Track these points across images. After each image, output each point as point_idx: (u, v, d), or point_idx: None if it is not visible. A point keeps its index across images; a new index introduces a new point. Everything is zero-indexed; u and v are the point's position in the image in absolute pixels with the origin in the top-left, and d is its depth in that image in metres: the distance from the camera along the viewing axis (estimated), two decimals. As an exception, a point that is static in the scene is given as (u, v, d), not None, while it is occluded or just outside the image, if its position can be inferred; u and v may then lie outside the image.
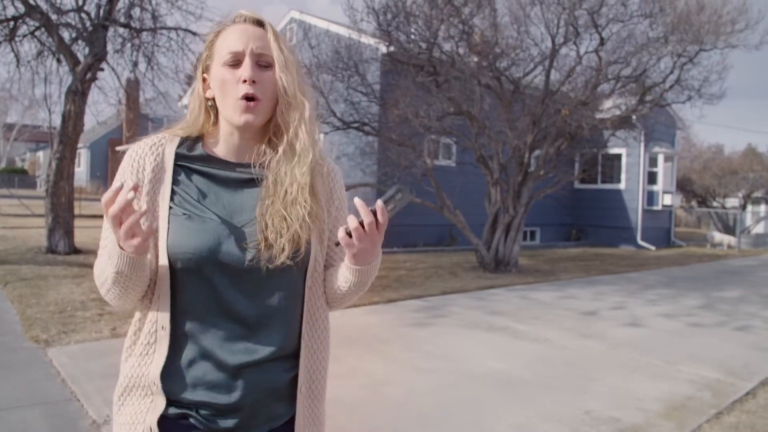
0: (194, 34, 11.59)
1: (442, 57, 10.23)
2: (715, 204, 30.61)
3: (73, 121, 10.50)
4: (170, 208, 1.32)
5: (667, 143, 20.91)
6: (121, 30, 11.15)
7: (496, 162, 10.98)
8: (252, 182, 1.35)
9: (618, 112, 11.70)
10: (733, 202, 30.97)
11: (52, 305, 6.81)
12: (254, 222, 1.30)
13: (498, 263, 11.34)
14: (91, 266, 7.92)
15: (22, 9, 10.02)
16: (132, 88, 18.28)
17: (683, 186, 31.03)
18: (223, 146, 1.38)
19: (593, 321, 7.39)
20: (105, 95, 11.95)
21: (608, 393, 4.65)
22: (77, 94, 10.29)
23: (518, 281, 10.39)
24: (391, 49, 11.03)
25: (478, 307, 7.91)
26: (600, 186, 20.83)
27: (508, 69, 10.84)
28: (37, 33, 10.75)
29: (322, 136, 14.81)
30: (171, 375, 1.30)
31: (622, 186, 20.38)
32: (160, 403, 1.29)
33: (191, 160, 1.37)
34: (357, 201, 1.19)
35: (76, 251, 11.22)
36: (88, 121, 12.02)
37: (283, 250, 1.27)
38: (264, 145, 1.36)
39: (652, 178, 20.36)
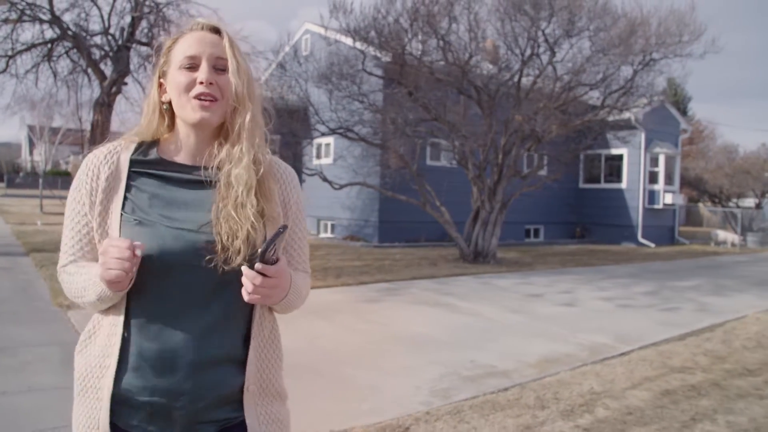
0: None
1: (421, 69, 11.45)
2: (730, 204, 30.98)
3: (100, 129, 12.07)
4: (122, 215, 1.35)
5: (669, 143, 21.65)
6: (143, 48, 12.69)
7: (470, 162, 12.18)
8: (207, 184, 1.38)
9: (595, 116, 12.73)
10: (749, 202, 31.28)
11: (77, 283, 8.27)
12: (210, 224, 1.33)
13: (477, 255, 12.50)
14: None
15: (57, 33, 11.67)
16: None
17: (696, 185, 31.50)
18: (179, 149, 1.43)
19: (532, 301, 8.54)
20: (131, 105, 13.48)
21: (500, 350, 5.84)
22: (104, 106, 11.86)
23: (489, 270, 11.55)
24: (386, 59, 12.30)
25: (434, 290, 9.13)
26: (603, 185, 21.69)
27: (487, 82, 12.01)
28: (70, 53, 12.41)
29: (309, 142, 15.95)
30: (123, 376, 1.34)
31: (623, 185, 21.20)
32: (109, 406, 1.34)
33: (146, 165, 1.40)
34: (245, 269, 1.24)
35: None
36: (117, 128, 13.57)
37: (238, 252, 1.29)
38: (216, 147, 1.40)
39: (653, 177, 21.13)
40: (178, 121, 1.43)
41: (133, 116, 15.71)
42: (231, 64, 1.36)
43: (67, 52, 12.51)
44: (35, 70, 12.37)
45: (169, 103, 1.41)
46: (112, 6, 12.10)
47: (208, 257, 1.30)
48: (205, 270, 1.30)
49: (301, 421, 3.80)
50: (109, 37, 12.09)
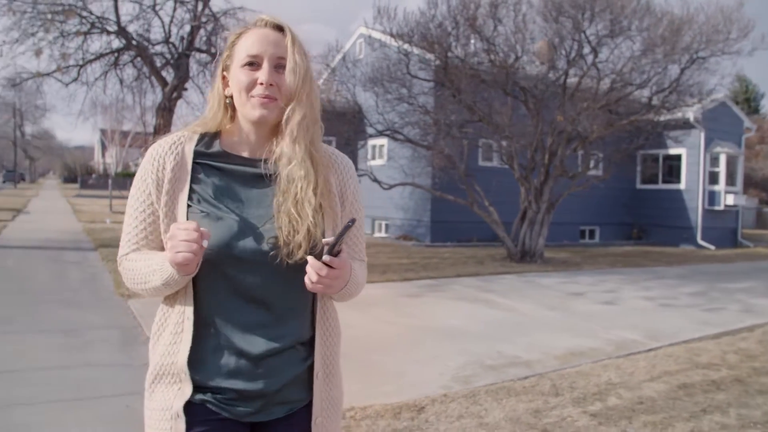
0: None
1: (466, 71, 11.67)
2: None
3: (162, 133, 12.75)
4: (189, 206, 1.39)
5: (731, 143, 21.05)
6: (201, 56, 13.40)
7: (516, 162, 12.31)
8: (267, 179, 1.42)
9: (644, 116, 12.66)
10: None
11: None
12: (272, 219, 1.38)
13: (524, 255, 12.61)
14: None
15: (123, 43, 12.50)
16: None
17: (765, 186, 30.40)
18: (241, 142, 1.46)
19: (572, 299, 8.66)
20: (191, 109, 14.29)
21: (528, 343, 6.04)
22: (165, 110, 12.62)
23: (535, 270, 11.66)
24: (433, 62, 12.59)
25: (476, 287, 9.35)
26: (661, 186, 21.27)
27: (536, 82, 12.13)
28: (134, 61, 13.25)
29: (365, 143, 16.30)
30: (197, 363, 1.39)
31: (682, 186, 20.74)
32: (186, 390, 1.38)
33: (209, 158, 1.44)
34: (311, 259, 1.30)
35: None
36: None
37: (299, 246, 1.35)
38: (275, 144, 1.43)
39: (714, 178, 20.60)
40: (239, 116, 1.46)
41: (194, 120, 16.54)
42: (289, 62, 1.39)
43: (132, 61, 13.39)
44: (103, 78, 13.31)
45: (232, 96, 1.45)
46: (172, 17, 12.91)
47: (272, 252, 1.36)
48: (270, 263, 1.36)
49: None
50: (170, 46, 12.87)
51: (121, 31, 12.52)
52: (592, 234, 21.11)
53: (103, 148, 68.17)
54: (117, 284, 8.15)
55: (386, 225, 19.10)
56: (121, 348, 5.36)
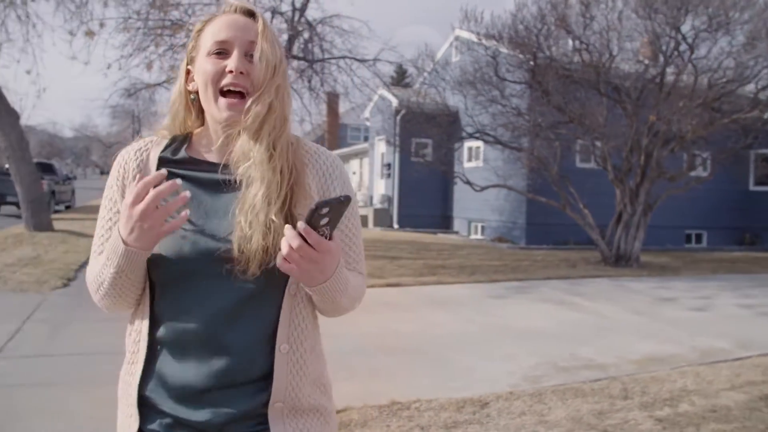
0: (360, 60, 14.12)
1: (557, 71, 11.55)
2: None
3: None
4: None
5: None
6: (299, 63, 14.03)
7: (609, 164, 12.03)
8: (235, 183, 1.24)
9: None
10: None
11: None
12: (232, 229, 1.20)
13: (618, 258, 12.30)
14: None
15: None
16: (332, 101, 21.40)
17: None
18: (209, 145, 1.31)
19: (661, 305, 8.42)
20: (292, 113, 14.96)
21: (605, 346, 6.01)
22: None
23: (628, 274, 11.36)
24: (523, 63, 12.56)
25: (564, 290, 9.28)
26: (777, 187, 19.97)
27: (633, 82, 11.83)
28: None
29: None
30: (148, 383, 1.27)
31: (803, 188, 19.39)
32: (134, 425, 1.27)
33: (174, 164, 1.28)
34: (288, 228, 1.08)
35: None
36: (294, 131, 15.17)
37: (253, 260, 1.17)
38: (236, 141, 1.26)
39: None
40: (207, 115, 1.31)
41: (293, 125, 17.28)
42: (257, 50, 1.23)
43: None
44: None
45: (197, 92, 1.30)
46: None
47: (222, 266, 1.19)
48: (226, 280, 1.20)
49: (392, 389, 4.40)
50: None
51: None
52: (699, 238, 20.11)
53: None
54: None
55: (482, 227, 19.12)
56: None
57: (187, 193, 1.13)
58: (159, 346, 1.27)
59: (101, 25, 13.05)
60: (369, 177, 25.11)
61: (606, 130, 11.63)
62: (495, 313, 7.40)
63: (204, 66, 1.26)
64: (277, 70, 1.26)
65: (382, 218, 20.66)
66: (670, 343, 6.25)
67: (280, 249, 1.12)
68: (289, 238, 1.08)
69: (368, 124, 24.51)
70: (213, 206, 1.26)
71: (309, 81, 14.29)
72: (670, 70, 11.75)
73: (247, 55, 1.25)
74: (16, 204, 16.74)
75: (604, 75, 11.47)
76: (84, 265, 9.72)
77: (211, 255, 1.21)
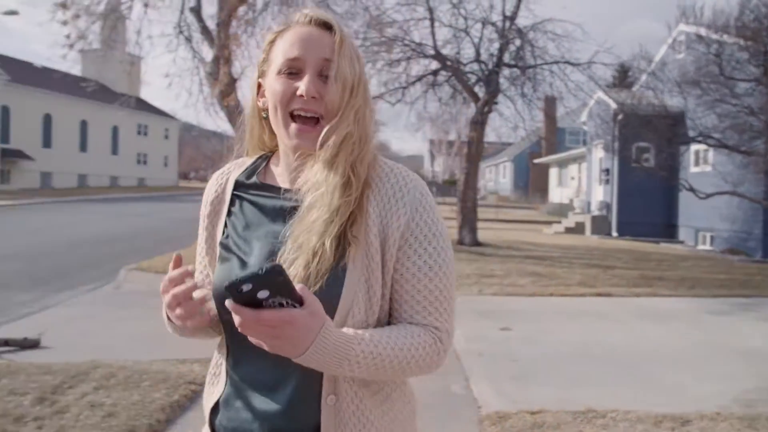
0: (574, 64, 13.88)
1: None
2: None
3: (475, 145, 13.94)
4: (220, 244, 1.21)
5: None
6: (510, 70, 14.20)
7: None
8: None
9: None
10: None
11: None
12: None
13: None
14: (487, 255, 11.07)
15: (439, 65, 14.02)
16: (549, 106, 21.26)
17: None
18: (280, 168, 1.22)
19: None
20: (505, 121, 15.23)
21: None
22: (478, 124, 13.66)
23: None
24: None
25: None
26: None
27: None
28: (449, 80, 14.68)
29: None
30: (222, 406, 1.20)
31: None
32: None
33: (246, 189, 1.22)
34: (227, 302, 0.91)
35: (478, 244, 14.53)
36: (508, 137, 15.61)
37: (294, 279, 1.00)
38: (309, 168, 1.13)
39: None
40: (278, 137, 1.20)
41: (506, 131, 17.42)
42: (332, 69, 1.11)
43: (447, 80, 14.84)
44: (423, 97, 15.03)
45: (267, 110, 1.20)
46: (481, 37, 13.98)
47: None
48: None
49: (590, 397, 4.42)
50: (481, 64, 13.94)
51: (438, 55, 14.03)
52: None
53: (432, 157, 74.24)
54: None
55: (711, 237, 17.54)
56: (422, 335, 6.26)
57: (197, 294, 1.07)
58: (231, 373, 1.20)
59: (325, 47, 14.55)
60: (587, 182, 24.32)
61: None
62: (712, 330, 6.89)
63: (273, 86, 1.15)
64: (356, 90, 1.13)
65: (599, 225, 19.89)
66: None
67: (333, 280, 1.06)
68: (232, 310, 0.93)
69: (585, 128, 23.75)
70: (275, 232, 1.14)
71: (521, 87, 14.38)
72: None
73: (322, 75, 1.12)
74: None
75: None
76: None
77: None
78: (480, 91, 14.12)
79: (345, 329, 1.04)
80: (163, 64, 31.39)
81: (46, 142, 45.44)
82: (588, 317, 7.27)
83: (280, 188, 1.18)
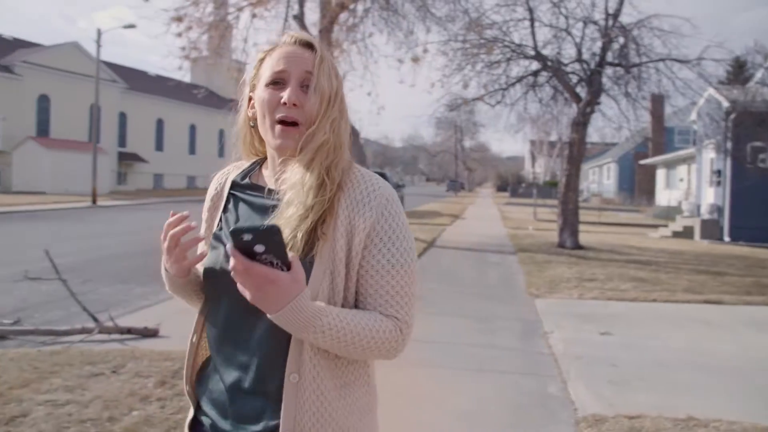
0: (681, 62, 13.33)
1: None
2: None
3: (576, 147, 13.68)
4: (213, 234, 1.39)
5: None
6: (613, 69, 13.82)
7: None
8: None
9: None
10: None
11: (547, 278, 9.89)
12: None
13: None
14: (588, 259, 10.92)
15: (539, 65, 13.86)
16: (655, 105, 20.47)
17: None
18: (268, 171, 1.38)
19: None
20: (608, 121, 14.83)
21: None
22: (579, 125, 13.40)
23: None
24: None
25: None
26: None
27: None
28: (550, 81, 14.47)
29: None
30: (201, 378, 1.39)
31: None
32: (191, 411, 1.38)
33: (241, 188, 1.39)
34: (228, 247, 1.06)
35: (579, 247, 14.25)
36: (612, 137, 15.14)
37: None
38: (288, 170, 1.30)
39: None
40: (266, 141, 1.36)
41: (610, 131, 16.91)
42: (312, 82, 1.27)
43: (547, 81, 14.65)
44: (524, 98, 14.90)
45: (256, 119, 1.36)
46: (582, 36, 13.68)
47: None
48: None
49: (692, 405, 4.34)
50: (582, 64, 13.66)
51: (538, 55, 13.87)
52: None
53: (533, 158, 72.91)
54: (528, 284, 9.27)
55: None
56: (520, 337, 6.32)
57: (193, 224, 1.30)
58: (203, 351, 1.41)
59: (425, 50, 14.72)
60: (696, 184, 23.14)
61: None
62: (742, 340, 6.49)
63: (262, 96, 1.31)
64: (332, 102, 1.29)
65: (709, 230, 18.89)
66: None
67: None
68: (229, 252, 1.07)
69: (695, 127, 22.63)
70: None
71: (625, 86, 13.97)
72: None
73: (303, 86, 1.29)
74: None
75: None
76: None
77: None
78: (582, 91, 13.85)
79: (318, 302, 1.18)
80: (268, 71, 32.72)
81: (159, 146, 48.69)
82: (693, 324, 7.03)
83: (266, 188, 1.34)
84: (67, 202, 28.92)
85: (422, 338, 5.89)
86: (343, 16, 15.12)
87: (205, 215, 1.46)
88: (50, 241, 13.22)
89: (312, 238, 1.22)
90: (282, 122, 1.28)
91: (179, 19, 14.80)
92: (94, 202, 28.92)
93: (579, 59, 13.72)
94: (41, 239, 13.45)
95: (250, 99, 1.39)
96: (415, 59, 14.71)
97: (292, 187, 1.26)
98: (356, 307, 1.28)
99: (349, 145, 1.35)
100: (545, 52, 14.18)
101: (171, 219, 1.29)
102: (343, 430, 1.26)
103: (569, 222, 14.28)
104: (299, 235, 1.21)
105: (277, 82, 1.29)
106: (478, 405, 4.32)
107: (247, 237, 1.02)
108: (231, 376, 1.28)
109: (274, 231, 1.04)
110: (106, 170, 39.29)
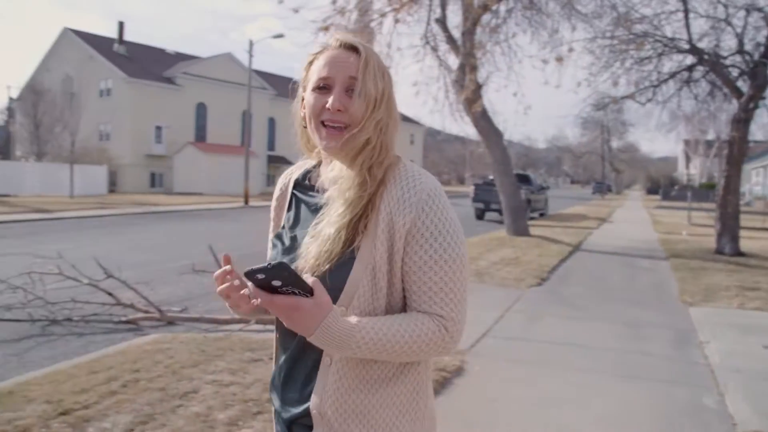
0: None
1: None
2: None
3: (737, 145, 12.65)
4: (276, 233, 1.47)
5: None
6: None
7: None
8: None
9: None
10: None
11: (703, 285, 9.27)
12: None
13: None
14: (751, 267, 10.12)
15: (694, 59, 12.93)
16: None
17: None
18: (323, 170, 1.42)
19: None
20: (776, 119, 13.63)
21: None
22: (741, 122, 12.39)
23: None
24: None
25: None
26: None
27: None
28: (706, 76, 13.48)
29: None
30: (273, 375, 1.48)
31: None
32: (276, 403, 1.45)
33: (300, 188, 1.46)
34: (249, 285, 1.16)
35: (740, 254, 13.14)
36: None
37: (306, 266, 1.28)
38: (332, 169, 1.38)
39: None
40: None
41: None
42: (357, 86, 1.29)
43: (703, 76, 13.65)
44: (677, 95, 14.00)
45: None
46: (744, 25, 12.59)
47: None
48: None
49: None
50: (744, 56, 12.59)
51: (693, 49, 12.94)
52: None
53: (687, 158, 68.13)
54: (681, 291, 8.76)
55: None
56: (673, 345, 5.99)
57: (235, 282, 1.35)
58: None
59: (570, 50, 14.26)
60: None
61: None
62: None
63: (309, 100, 1.34)
64: (379, 103, 1.30)
65: None
66: None
67: (334, 271, 1.26)
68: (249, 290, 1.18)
69: None
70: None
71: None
72: None
73: (348, 90, 1.30)
74: (499, 211, 19.48)
75: None
76: (555, 268, 10.87)
77: None
78: (743, 85, 12.74)
79: (350, 318, 1.22)
80: (411, 74, 33.32)
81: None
82: None
83: (317, 188, 1.41)
84: (222, 203, 31.23)
85: (568, 342, 5.79)
86: (485, 17, 15.03)
87: (272, 215, 1.54)
88: (210, 238, 14.37)
89: (353, 233, 1.26)
90: (327, 125, 1.32)
91: (326, 29, 15.43)
92: (246, 202, 30.96)
93: (740, 51, 12.63)
94: (202, 236, 14.63)
95: (303, 99, 1.41)
96: (559, 59, 14.28)
97: (334, 182, 1.33)
98: (405, 308, 1.31)
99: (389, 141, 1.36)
100: (701, 45, 13.23)
101: (217, 273, 1.36)
102: (374, 424, 1.30)
103: (729, 227, 13.24)
104: (338, 231, 1.26)
105: (322, 87, 1.32)
106: (626, 411, 4.18)
107: (260, 276, 1.11)
108: (282, 364, 1.40)
109: (283, 267, 1.09)
110: (257, 173, 41.95)
